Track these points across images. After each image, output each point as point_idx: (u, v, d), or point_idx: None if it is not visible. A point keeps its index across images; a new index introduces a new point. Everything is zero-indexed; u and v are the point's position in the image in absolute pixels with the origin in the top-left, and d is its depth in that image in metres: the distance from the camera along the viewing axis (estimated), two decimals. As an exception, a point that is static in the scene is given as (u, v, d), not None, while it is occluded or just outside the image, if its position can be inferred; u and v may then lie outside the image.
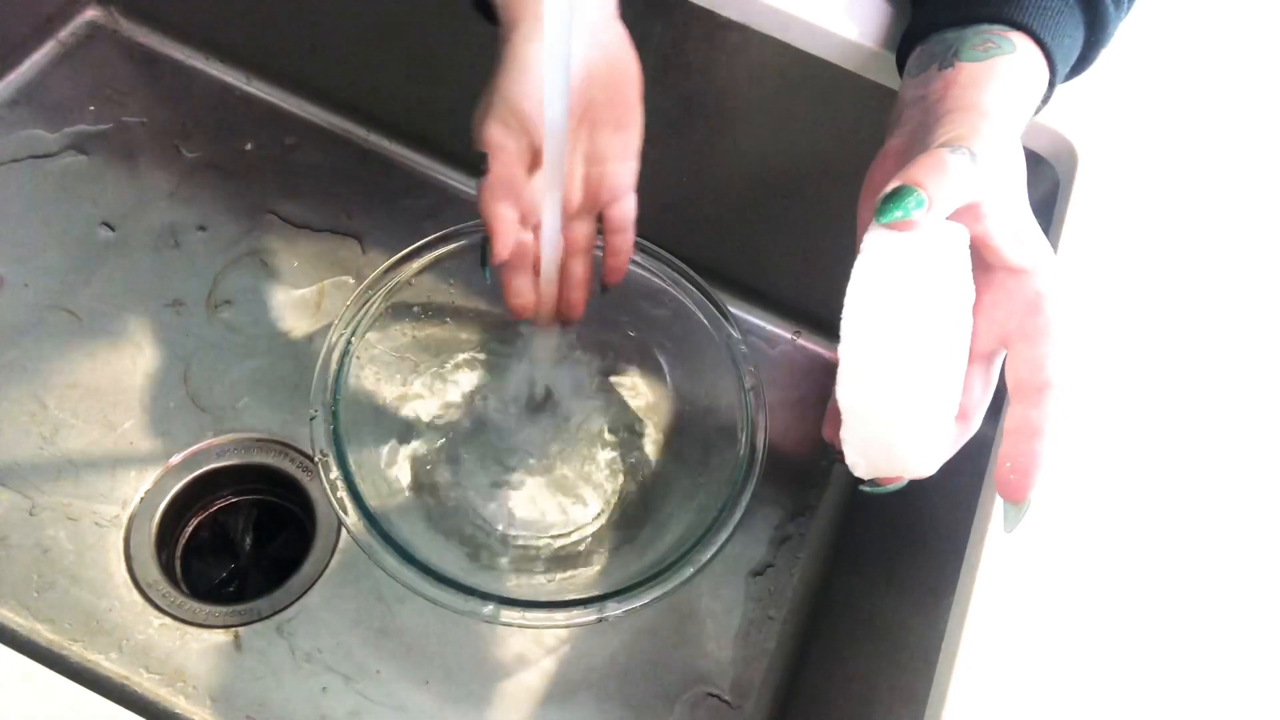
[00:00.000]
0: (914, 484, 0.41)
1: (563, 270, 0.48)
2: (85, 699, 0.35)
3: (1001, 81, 0.39)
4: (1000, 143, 0.35)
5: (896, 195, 0.33)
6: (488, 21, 0.43)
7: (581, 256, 0.49)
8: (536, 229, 0.45)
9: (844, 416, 0.34)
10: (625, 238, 0.49)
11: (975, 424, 0.37)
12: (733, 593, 0.60)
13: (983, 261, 0.36)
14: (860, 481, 0.37)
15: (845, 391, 0.34)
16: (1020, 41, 0.40)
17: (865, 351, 0.33)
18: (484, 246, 0.43)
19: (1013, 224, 0.35)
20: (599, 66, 0.42)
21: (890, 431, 0.34)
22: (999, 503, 0.40)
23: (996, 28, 0.40)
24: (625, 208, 0.48)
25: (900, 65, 0.45)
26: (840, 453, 0.40)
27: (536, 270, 0.47)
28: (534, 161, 0.42)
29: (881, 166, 0.39)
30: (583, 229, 0.48)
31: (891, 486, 0.38)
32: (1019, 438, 0.35)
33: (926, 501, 0.40)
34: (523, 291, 0.48)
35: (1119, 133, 0.52)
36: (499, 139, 0.40)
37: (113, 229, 0.66)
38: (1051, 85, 0.42)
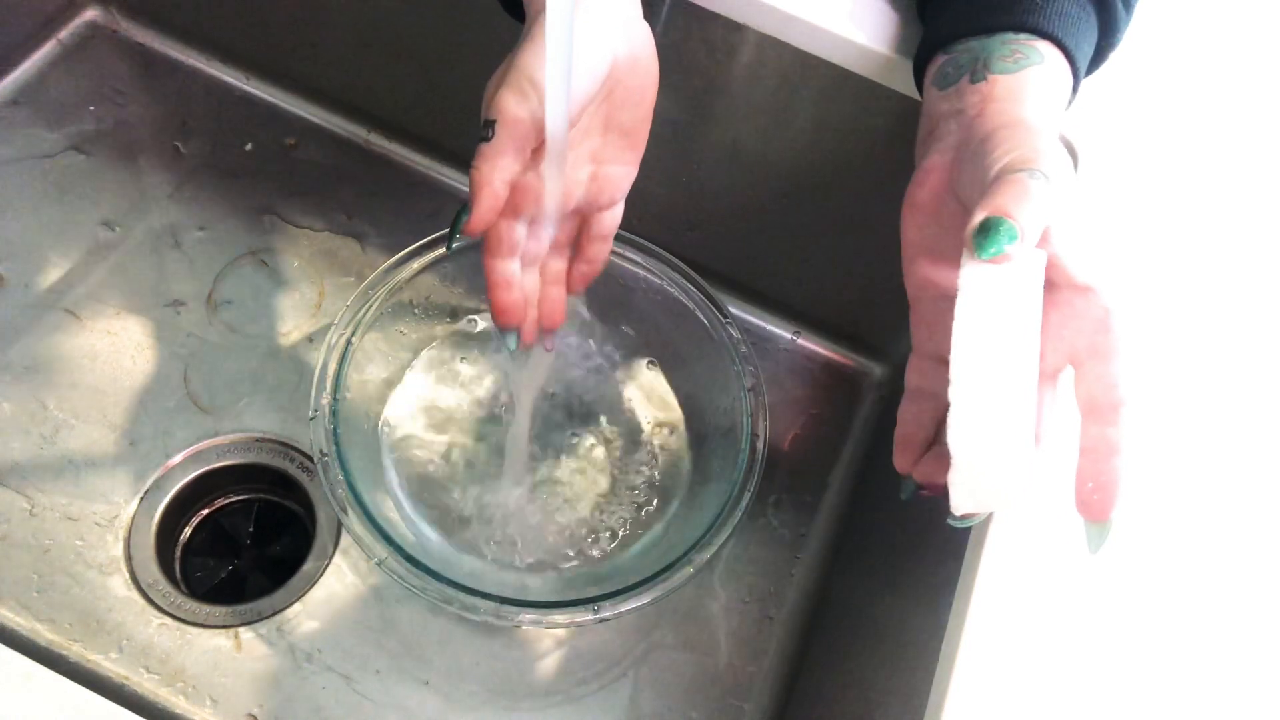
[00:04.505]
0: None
1: (540, 266, 0.46)
2: (85, 699, 0.35)
3: (1037, 94, 0.38)
4: (1059, 158, 0.35)
5: (990, 229, 0.31)
6: (511, 16, 0.43)
7: (560, 254, 0.47)
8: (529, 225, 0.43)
9: (955, 459, 0.33)
10: (603, 248, 0.47)
11: (1044, 446, 0.36)
12: (732, 593, 0.60)
13: (1047, 280, 0.34)
14: (948, 515, 0.36)
15: (959, 436, 0.33)
16: (1047, 50, 0.40)
17: (976, 393, 0.33)
18: (459, 214, 0.40)
19: (1076, 241, 0.34)
20: (623, 61, 0.40)
21: (998, 469, 0.34)
22: (1071, 524, 0.38)
23: (1022, 36, 0.40)
24: (613, 217, 0.46)
25: (918, 73, 0.45)
26: (920, 485, 0.40)
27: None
28: (540, 144, 0.40)
29: (925, 184, 0.39)
30: (566, 227, 0.46)
31: (978, 518, 0.37)
32: (1097, 456, 0.34)
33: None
34: (509, 281, 0.44)
35: (1119, 133, 0.52)
36: (512, 108, 0.38)
37: (113, 229, 0.66)
38: (1074, 92, 0.42)
